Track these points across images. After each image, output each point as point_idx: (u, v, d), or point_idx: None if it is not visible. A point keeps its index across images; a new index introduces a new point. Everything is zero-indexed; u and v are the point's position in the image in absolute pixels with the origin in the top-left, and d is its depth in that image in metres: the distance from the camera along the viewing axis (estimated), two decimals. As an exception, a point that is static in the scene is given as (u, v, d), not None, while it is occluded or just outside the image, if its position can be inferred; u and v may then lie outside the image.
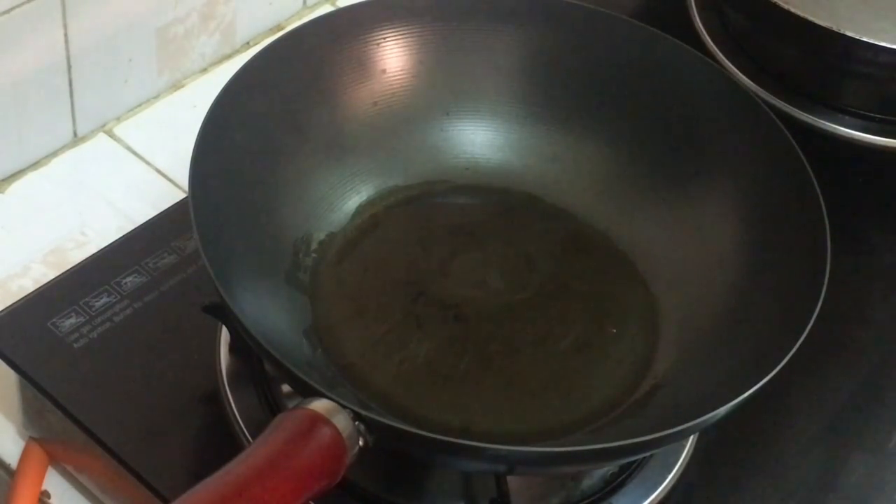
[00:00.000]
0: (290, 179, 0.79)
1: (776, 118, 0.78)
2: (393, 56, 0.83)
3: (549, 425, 0.73)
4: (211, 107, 0.74)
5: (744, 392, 0.66)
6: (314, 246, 0.79)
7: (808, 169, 0.75)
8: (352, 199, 0.82)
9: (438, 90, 0.84)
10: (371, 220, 0.82)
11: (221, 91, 0.75)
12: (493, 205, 0.84)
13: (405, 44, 0.83)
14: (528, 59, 0.85)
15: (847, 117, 0.94)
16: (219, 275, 0.67)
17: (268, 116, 0.78)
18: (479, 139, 0.85)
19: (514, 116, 0.85)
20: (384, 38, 0.83)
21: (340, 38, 0.82)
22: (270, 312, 0.73)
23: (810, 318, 0.68)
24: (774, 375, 0.66)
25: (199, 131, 0.73)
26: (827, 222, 0.73)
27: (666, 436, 0.65)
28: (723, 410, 0.65)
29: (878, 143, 0.93)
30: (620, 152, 0.83)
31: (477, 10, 0.84)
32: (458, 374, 0.75)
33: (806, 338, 0.68)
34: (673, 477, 0.75)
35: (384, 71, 0.83)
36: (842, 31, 0.87)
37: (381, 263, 0.80)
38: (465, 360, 0.76)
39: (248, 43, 1.02)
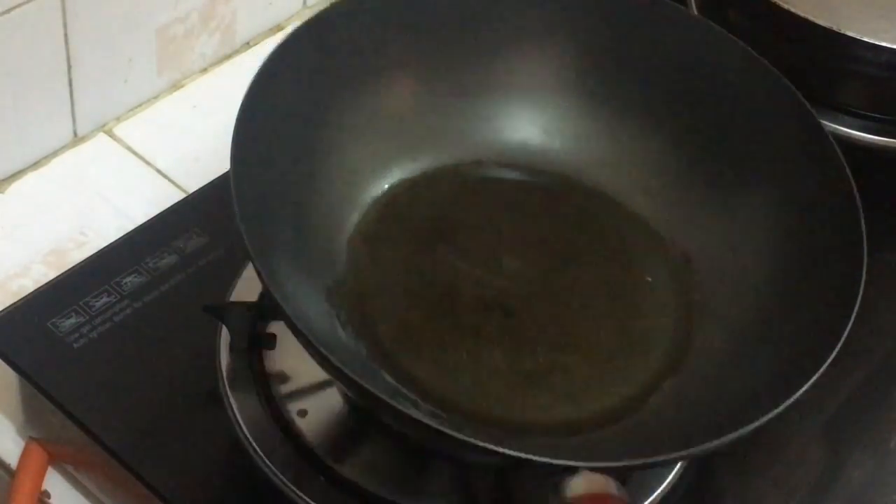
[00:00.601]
0: (328, 152, 0.78)
1: (824, 129, 0.77)
2: (444, 34, 0.82)
3: (582, 416, 0.73)
4: (253, 79, 0.73)
5: (769, 412, 0.64)
6: (352, 223, 0.79)
7: (851, 180, 0.74)
8: (390, 174, 0.81)
9: (489, 72, 0.83)
10: (409, 197, 0.81)
11: (264, 63, 0.74)
12: (535, 188, 0.83)
13: (460, 23, 0.82)
14: (584, 46, 0.83)
15: (847, 117, 0.93)
16: (259, 254, 0.65)
17: (310, 89, 0.77)
18: (527, 121, 0.84)
19: (567, 103, 0.84)
20: (435, 15, 0.81)
21: (389, 11, 0.80)
22: (311, 303, 0.73)
23: (837, 343, 0.67)
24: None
25: (242, 102, 0.71)
26: (865, 236, 0.72)
27: (689, 454, 0.65)
28: (745, 431, 0.64)
29: (878, 142, 0.93)
30: (666, 144, 0.82)
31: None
32: (511, 367, 0.75)
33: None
34: (673, 477, 0.75)
35: (434, 47, 0.82)
36: (842, 31, 0.87)
37: (418, 245, 0.79)
38: (505, 350, 0.75)
39: (247, 43, 1.02)
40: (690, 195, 0.81)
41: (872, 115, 0.93)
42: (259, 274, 0.65)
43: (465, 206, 0.82)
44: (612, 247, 0.81)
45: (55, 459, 0.79)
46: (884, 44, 0.87)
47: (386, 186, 0.81)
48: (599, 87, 0.83)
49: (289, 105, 0.75)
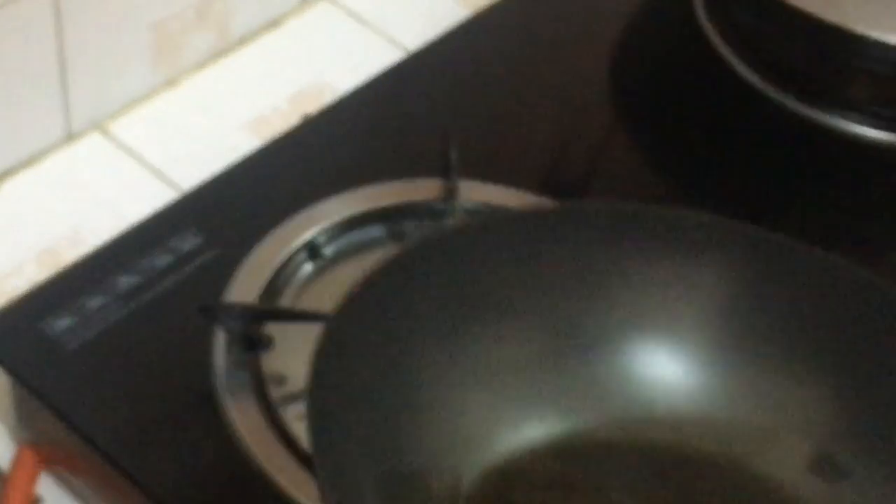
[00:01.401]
0: (428, 408, 0.67)
1: None
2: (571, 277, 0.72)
3: None
4: (332, 318, 0.64)
5: None
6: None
7: None
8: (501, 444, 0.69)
9: (626, 321, 0.71)
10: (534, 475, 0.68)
11: (345, 300, 0.64)
12: (688, 470, 0.69)
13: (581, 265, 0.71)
14: (730, 297, 0.72)
15: (855, 114, 0.93)
16: None
17: (406, 331, 0.67)
18: (674, 383, 0.71)
19: (702, 364, 0.71)
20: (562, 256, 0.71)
21: (489, 246, 0.70)
22: None
23: None
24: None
25: (316, 356, 0.61)
26: None
27: None
28: None
29: (887, 139, 0.93)
30: (843, 408, 0.69)
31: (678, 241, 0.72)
32: None
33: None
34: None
35: (562, 289, 0.71)
36: (850, 28, 0.87)
37: None
38: None
39: (243, 39, 1.02)
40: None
41: (881, 111, 0.93)
42: None
43: (597, 485, 0.68)
44: None
45: (48, 463, 0.79)
46: (892, 41, 0.87)
47: (502, 461, 0.68)
48: (746, 335, 0.71)
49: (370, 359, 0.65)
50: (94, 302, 0.79)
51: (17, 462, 0.78)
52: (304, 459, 0.72)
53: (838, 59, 0.92)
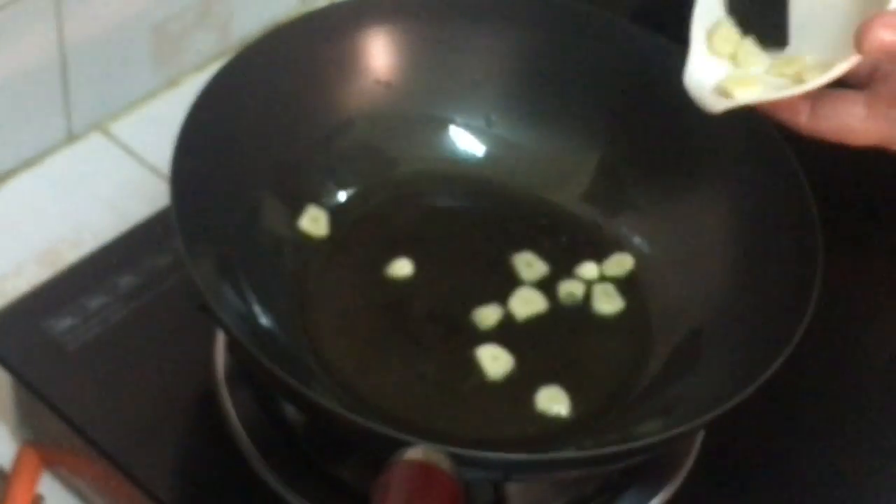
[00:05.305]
0: (275, 173, 0.78)
1: (768, 122, 0.77)
2: (380, 54, 0.83)
3: (548, 429, 0.73)
4: (197, 97, 0.74)
5: (729, 402, 0.66)
6: (300, 243, 0.78)
7: (799, 172, 0.75)
8: (338, 194, 0.81)
9: (425, 88, 0.83)
10: (358, 218, 0.81)
11: (209, 82, 0.75)
12: (482, 203, 0.83)
13: (392, 42, 0.82)
14: (515, 59, 0.84)
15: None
16: (205, 279, 0.67)
17: (254, 110, 0.78)
18: (470, 137, 0.84)
19: (505, 115, 0.84)
20: (372, 36, 0.82)
21: (330, 36, 0.81)
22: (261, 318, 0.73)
23: (799, 326, 0.68)
24: (774, 378, 0.67)
25: (182, 127, 0.72)
26: (819, 229, 0.72)
27: (651, 444, 0.66)
28: (709, 417, 0.66)
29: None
30: (611, 150, 0.83)
31: (464, 9, 0.83)
32: (451, 383, 0.75)
33: (808, 339, 0.68)
34: (677, 479, 0.75)
35: (372, 68, 0.82)
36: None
37: (367, 266, 0.79)
38: (439, 363, 0.75)
39: (244, 40, 1.02)
40: (640, 200, 0.82)
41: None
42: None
43: (427, 221, 0.82)
44: (565, 263, 0.80)
45: (49, 463, 0.79)
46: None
47: (343, 198, 0.81)
48: (539, 99, 0.84)
49: (232, 129, 0.77)
50: (95, 302, 0.79)
51: (18, 461, 0.78)
52: (303, 456, 0.73)
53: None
